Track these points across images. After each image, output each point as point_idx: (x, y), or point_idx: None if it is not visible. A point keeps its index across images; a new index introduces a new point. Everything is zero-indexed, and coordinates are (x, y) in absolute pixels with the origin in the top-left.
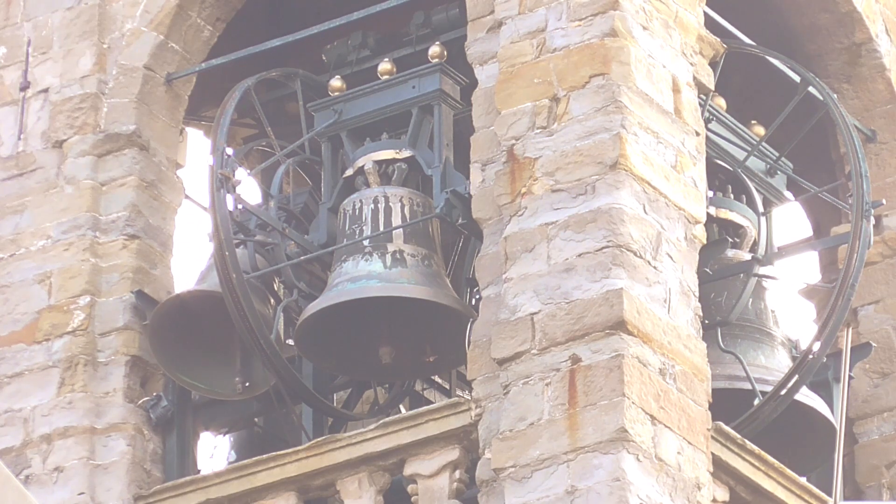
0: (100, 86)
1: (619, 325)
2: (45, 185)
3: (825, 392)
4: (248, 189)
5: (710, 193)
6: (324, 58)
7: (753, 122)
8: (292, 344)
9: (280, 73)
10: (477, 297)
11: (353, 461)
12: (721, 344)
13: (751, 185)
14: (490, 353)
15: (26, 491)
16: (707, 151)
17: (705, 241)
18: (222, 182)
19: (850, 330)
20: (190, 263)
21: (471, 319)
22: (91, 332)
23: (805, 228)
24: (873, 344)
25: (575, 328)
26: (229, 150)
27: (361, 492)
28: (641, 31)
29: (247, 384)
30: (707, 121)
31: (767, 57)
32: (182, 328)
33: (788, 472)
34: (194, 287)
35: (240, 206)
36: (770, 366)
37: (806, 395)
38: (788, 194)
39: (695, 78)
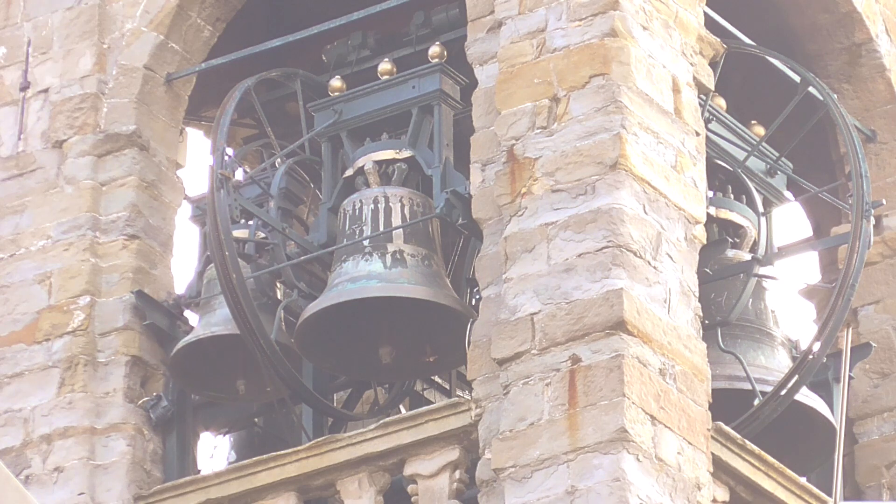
0: (100, 86)
1: (619, 326)
2: (45, 185)
3: (825, 392)
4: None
5: (710, 193)
6: (324, 58)
7: (753, 122)
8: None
9: (280, 73)
10: (477, 297)
11: (353, 461)
12: (721, 344)
13: (751, 185)
14: (490, 353)
15: (26, 491)
16: (707, 151)
17: (705, 241)
18: (222, 182)
19: (850, 330)
20: (190, 263)
21: (471, 319)
22: (91, 332)
23: (805, 228)
24: (873, 344)
25: (575, 328)
26: (229, 150)
27: (361, 492)
28: (641, 31)
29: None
30: (707, 121)
31: (767, 57)
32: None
33: (788, 472)
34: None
35: (239, 206)
36: (770, 366)
37: (806, 395)
38: (788, 194)
39: (695, 78)
